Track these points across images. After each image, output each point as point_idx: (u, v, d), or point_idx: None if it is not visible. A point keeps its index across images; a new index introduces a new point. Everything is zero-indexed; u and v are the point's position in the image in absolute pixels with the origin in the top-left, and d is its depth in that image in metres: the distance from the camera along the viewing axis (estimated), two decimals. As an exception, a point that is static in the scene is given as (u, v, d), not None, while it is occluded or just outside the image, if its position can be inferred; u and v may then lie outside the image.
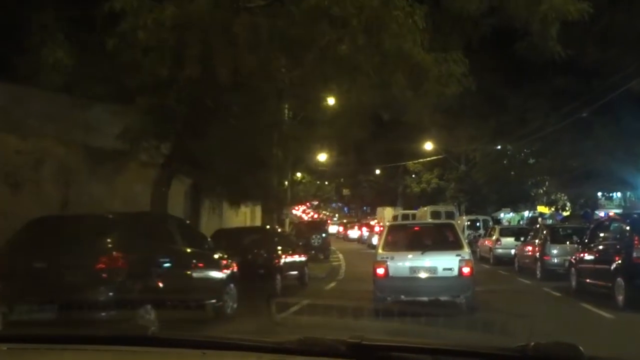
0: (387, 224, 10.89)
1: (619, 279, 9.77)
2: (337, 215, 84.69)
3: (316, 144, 29.11)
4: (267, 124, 15.74)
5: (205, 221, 20.04)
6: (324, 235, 26.12)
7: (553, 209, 37.07)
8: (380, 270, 9.69)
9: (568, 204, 36.06)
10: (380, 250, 9.89)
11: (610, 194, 35.65)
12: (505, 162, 33.73)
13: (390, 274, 9.64)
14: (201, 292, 7.71)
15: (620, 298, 9.68)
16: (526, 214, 38.83)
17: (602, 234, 11.42)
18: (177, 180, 16.66)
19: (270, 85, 12.40)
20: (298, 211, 74.18)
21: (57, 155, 12.86)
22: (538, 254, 15.81)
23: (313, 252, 25.11)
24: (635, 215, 10.82)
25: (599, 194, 32.93)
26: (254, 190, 20.85)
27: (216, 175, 17.33)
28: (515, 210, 39.89)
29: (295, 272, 13.95)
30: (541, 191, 36.52)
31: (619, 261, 9.92)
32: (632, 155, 22.15)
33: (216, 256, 9.08)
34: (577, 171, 24.71)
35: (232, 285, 9.16)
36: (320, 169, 48.50)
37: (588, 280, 11.35)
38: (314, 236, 25.50)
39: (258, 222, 30.20)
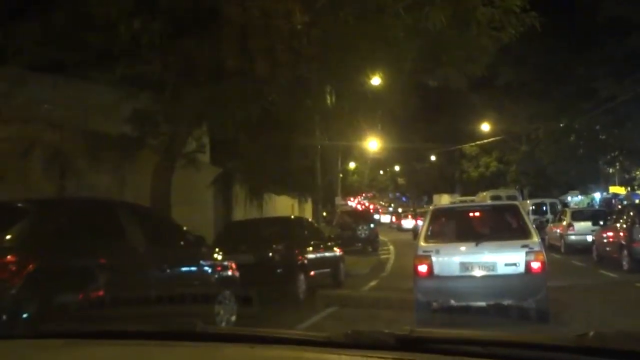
0: (431, 207, 8.49)
1: None
2: (392, 205, 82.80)
3: (364, 125, 27.14)
4: (307, 106, 14.02)
5: (241, 213, 18.29)
6: (371, 225, 23.89)
7: (629, 189, 33.52)
8: (422, 268, 7.41)
9: (645, 182, 32.68)
10: (422, 242, 7.58)
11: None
12: (572, 138, 30.56)
13: (436, 272, 7.34)
14: (170, 304, 5.64)
15: None
16: (597, 196, 35.50)
17: None
18: (201, 167, 15.05)
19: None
20: (353, 202, 72.89)
21: (50, 141, 11.23)
22: (624, 240, 12.97)
23: (360, 244, 23.06)
24: None
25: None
26: (293, 179, 19.13)
27: (249, 162, 15.62)
28: (585, 192, 36.64)
29: (327, 270, 11.79)
30: (613, 170, 33.21)
31: None
32: None
33: (201, 256, 7.04)
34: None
35: (227, 292, 7.10)
36: (373, 156, 46.57)
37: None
38: (360, 227, 23.32)
39: (308, 215, 28.59)
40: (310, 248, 11.12)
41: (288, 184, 19.20)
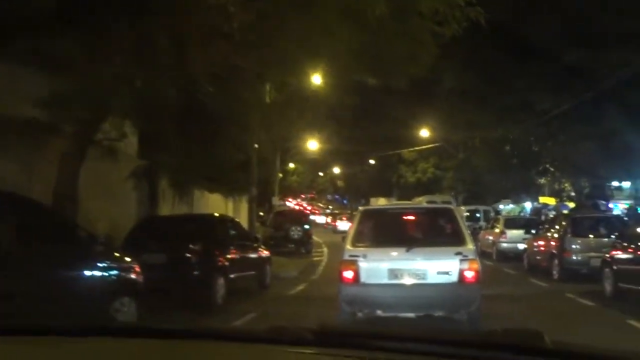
0: (361, 208, 7.83)
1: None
2: (330, 207, 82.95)
3: (303, 124, 26.49)
4: (243, 99, 13.20)
5: (167, 210, 17.08)
6: (306, 227, 23.17)
7: (558, 200, 34.44)
8: (348, 274, 6.73)
9: (573, 194, 33.60)
10: (348, 246, 6.91)
11: (620, 184, 32.93)
12: (507, 148, 31.02)
13: (362, 279, 6.69)
14: (38, 311, 4.67)
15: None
16: (528, 205, 36.35)
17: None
18: (125, 159, 13.89)
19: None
20: (291, 203, 72.44)
21: None
22: (555, 249, 12.83)
23: (292, 245, 22.35)
24: None
25: (609, 183, 30.21)
26: (224, 176, 18.11)
27: (174, 155, 14.56)
28: (517, 201, 37.46)
29: (251, 272, 10.96)
30: (544, 181, 34.02)
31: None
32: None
33: (94, 256, 6.06)
34: (592, 155, 21.81)
35: (126, 299, 6.18)
36: (312, 158, 46.09)
37: (635, 287, 8.39)
38: (293, 228, 22.55)
39: (244, 214, 27.55)
40: (233, 248, 10.24)
41: (219, 180, 18.13)
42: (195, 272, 8.84)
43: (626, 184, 31.43)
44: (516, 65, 24.18)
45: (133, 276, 6.65)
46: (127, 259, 6.87)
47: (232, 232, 10.93)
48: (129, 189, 14.21)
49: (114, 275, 6.31)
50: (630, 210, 26.98)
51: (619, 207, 30.13)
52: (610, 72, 18.75)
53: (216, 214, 12.79)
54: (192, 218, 11.47)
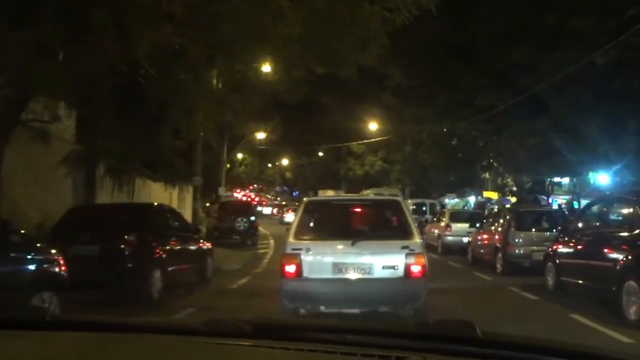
0: (305, 199, 7.50)
1: (630, 283, 6.85)
2: (278, 198, 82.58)
3: (250, 113, 25.93)
4: (187, 83, 12.64)
5: (106, 199, 16.25)
6: (252, 218, 22.71)
7: (501, 194, 35.24)
8: (290, 268, 6.40)
9: (515, 188, 34.44)
10: (291, 238, 6.57)
11: (560, 180, 33.98)
12: (453, 142, 31.42)
13: (305, 273, 6.37)
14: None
15: (633, 311, 6.76)
16: (472, 199, 37.07)
17: (598, 218, 8.45)
18: (60, 145, 13.07)
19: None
20: (239, 194, 71.63)
21: None
22: (499, 243, 12.91)
23: (238, 237, 21.88)
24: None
25: (549, 179, 31.06)
26: (165, 164, 17.39)
27: (111, 140, 13.82)
28: (461, 195, 38.14)
29: (190, 265, 10.47)
30: (489, 175, 34.73)
31: (630, 257, 6.99)
32: (583, 138, 19.72)
33: (9, 247, 5.49)
34: (534, 151, 22.26)
35: (47, 293, 5.65)
36: (262, 148, 45.53)
37: (578, 281, 8.43)
38: (239, 219, 22.06)
39: (189, 205, 26.73)
40: (171, 240, 9.73)
41: (160, 168, 17.40)
42: (130, 265, 8.30)
43: (565, 180, 32.42)
44: (462, 61, 24.45)
45: (56, 269, 6.09)
46: (52, 251, 6.30)
47: (171, 222, 10.39)
48: (63, 176, 13.39)
49: (33, 268, 5.75)
50: (568, 205, 27.86)
51: (557, 202, 31.10)
52: (551, 69, 19.11)
53: (154, 203, 12.19)
54: (128, 207, 10.82)
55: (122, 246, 8.38)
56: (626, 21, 15.34)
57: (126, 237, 8.53)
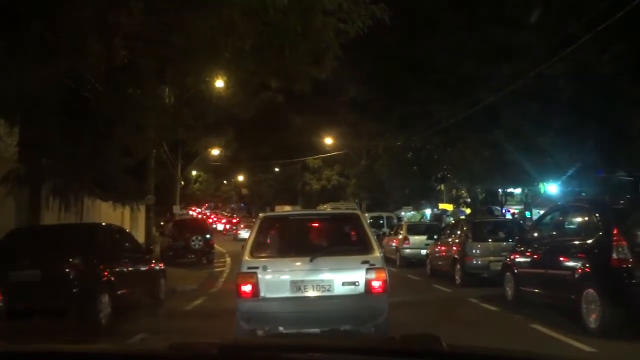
0: (260, 215, 7.22)
1: (588, 291, 6.85)
2: (234, 215, 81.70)
3: (204, 129, 25.48)
4: (136, 98, 12.26)
5: (53, 221, 15.46)
6: (207, 236, 22.14)
7: (455, 206, 35.72)
8: (246, 288, 6.10)
9: (469, 200, 34.97)
10: (246, 257, 6.28)
11: (512, 191, 34.71)
12: (409, 155, 31.69)
13: (262, 293, 6.08)
14: None
15: (593, 319, 6.74)
16: (428, 211, 37.43)
17: (554, 227, 8.47)
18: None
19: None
20: (194, 212, 70.49)
21: None
22: (457, 254, 12.91)
23: (193, 256, 21.29)
24: (609, 200, 7.98)
25: (501, 190, 31.66)
26: (113, 182, 16.76)
27: (56, 158, 13.20)
28: (417, 208, 38.47)
29: (141, 287, 9.98)
30: (443, 187, 35.17)
31: (588, 265, 6.99)
32: (534, 149, 20.19)
33: None
34: (488, 162, 22.60)
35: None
36: (217, 165, 44.90)
37: (537, 291, 8.41)
38: (194, 237, 21.48)
39: (142, 224, 25.85)
40: (120, 261, 9.24)
41: (109, 187, 16.76)
42: (75, 290, 7.80)
43: (517, 191, 33.12)
44: (416, 75, 24.73)
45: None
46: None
47: (120, 243, 9.90)
48: (3, 196, 12.68)
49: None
50: (520, 215, 28.42)
51: (509, 212, 31.71)
52: (502, 83, 19.51)
53: (102, 223, 11.64)
54: (72, 228, 10.26)
55: (66, 270, 7.87)
56: (571, 35, 15.80)
57: (70, 260, 8.03)
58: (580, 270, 7.09)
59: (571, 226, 8.07)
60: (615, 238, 6.54)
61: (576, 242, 7.50)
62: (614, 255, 6.51)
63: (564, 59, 16.45)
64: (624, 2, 13.24)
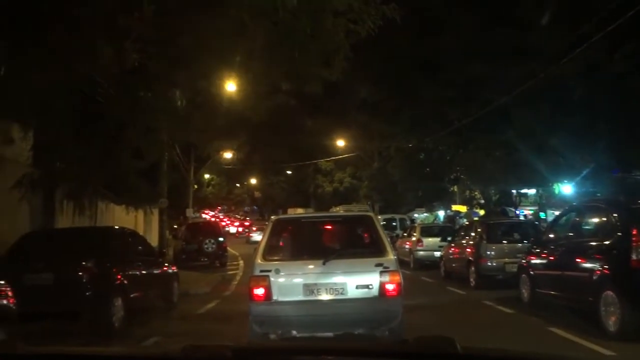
0: (273, 217, 7.17)
1: (607, 293, 6.72)
2: (247, 218, 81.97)
3: (216, 132, 25.55)
4: (147, 101, 12.27)
5: (67, 224, 15.56)
6: (220, 239, 22.15)
7: (469, 207, 35.47)
8: (259, 291, 6.05)
9: (482, 201, 34.71)
10: (259, 259, 6.23)
11: (526, 191, 34.41)
12: (421, 156, 31.51)
13: (275, 296, 6.03)
14: None
15: (612, 322, 6.61)
16: (441, 213, 37.20)
17: (571, 228, 8.32)
18: (15, 169, 12.49)
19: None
20: (208, 215, 70.77)
21: None
22: (472, 256, 12.76)
23: (206, 259, 21.30)
24: (626, 200, 7.83)
25: (515, 191, 31.40)
26: (125, 185, 16.81)
27: (70, 162, 13.27)
28: (430, 209, 38.25)
29: (154, 291, 9.98)
30: (456, 189, 34.93)
31: (607, 266, 6.86)
32: (547, 149, 19.96)
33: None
34: (501, 163, 22.40)
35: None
36: (228, 168, 44.98)
37: (552, 293, 8.28)
38: (207, 240, 21.51)
39: (155, 228, 25.92)
40: (133, 265, 9.25)
41: (122, 190, 16.82)
42: (88, 293, 7.81)
43: (531, 191, 32.82)
44: (428, 76, 24.58)
45: (4, 301, 5.62)
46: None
47: (133, 246, 9.91)
48: (17, 200, 12.76)
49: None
50: (535, 216, 28.13)
51: (524, 213, 31.41)
52: (514, 83, 19.34)
53: (116, 227, 11.67)
54: (86, 232, 10.28)
55: (80, 273, 7.89)
56: (581, 35, 15.63)
57: (84, 263, 8.04)
58: (598, 272, 6.95)
59: (588, 227, 7.92)
60: (635, 239, 6.40)
61: (594, 243, 7.36)
62: (634, 256, 6.37)
63: (574, 59, 16.27)
64: (635, 1, 13.08)
